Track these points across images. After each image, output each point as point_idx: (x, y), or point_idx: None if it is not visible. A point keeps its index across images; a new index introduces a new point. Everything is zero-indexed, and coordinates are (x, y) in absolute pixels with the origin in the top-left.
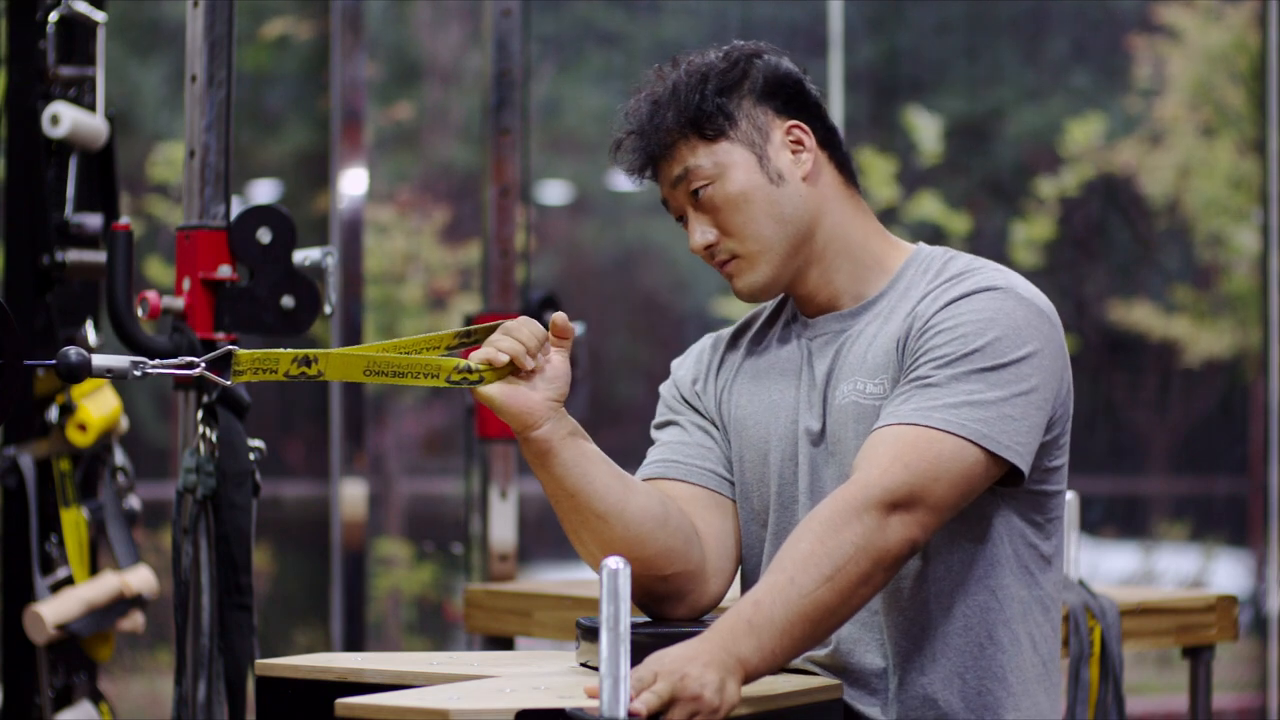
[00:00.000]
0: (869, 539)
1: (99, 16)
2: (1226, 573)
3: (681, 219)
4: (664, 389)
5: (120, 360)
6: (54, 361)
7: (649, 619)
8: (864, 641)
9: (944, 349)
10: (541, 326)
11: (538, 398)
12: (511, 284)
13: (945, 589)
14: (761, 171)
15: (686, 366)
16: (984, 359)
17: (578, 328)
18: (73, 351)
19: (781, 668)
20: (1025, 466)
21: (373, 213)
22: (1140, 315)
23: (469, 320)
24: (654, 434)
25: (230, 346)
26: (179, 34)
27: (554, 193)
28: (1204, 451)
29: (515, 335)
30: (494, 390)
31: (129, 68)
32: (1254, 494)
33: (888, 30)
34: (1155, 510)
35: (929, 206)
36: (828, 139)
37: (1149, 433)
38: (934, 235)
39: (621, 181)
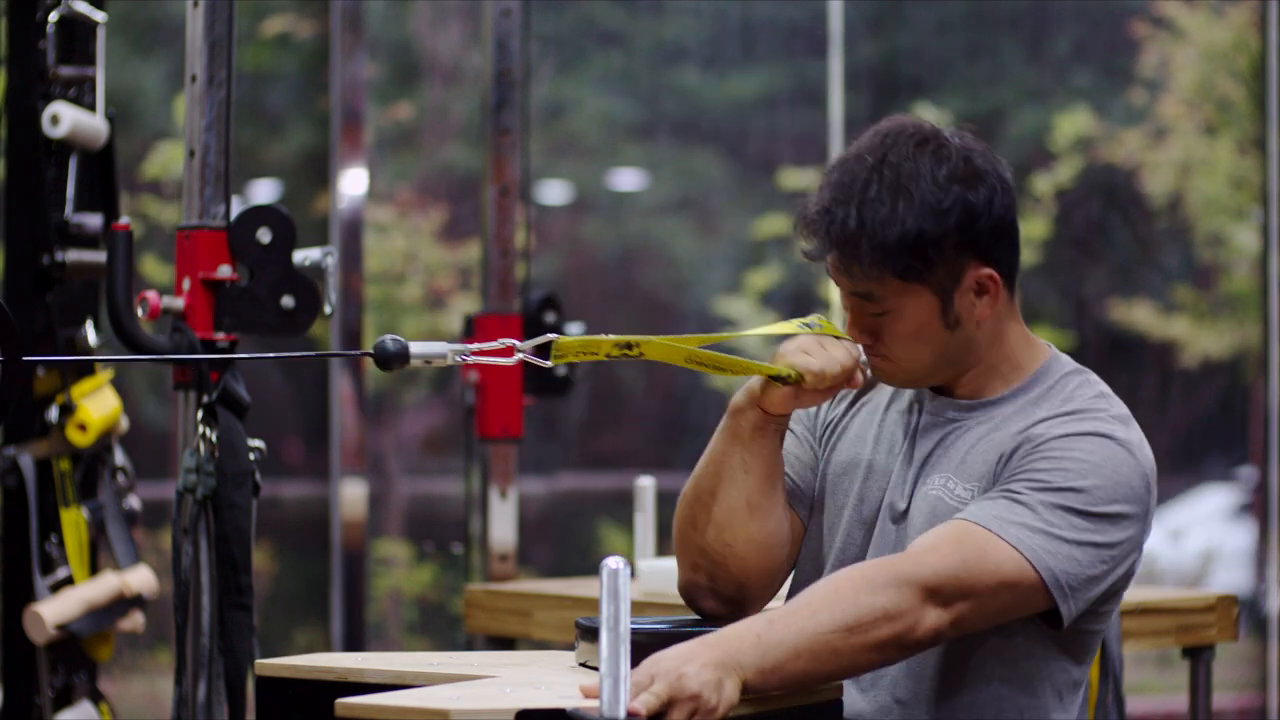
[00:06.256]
0: (899, 611)
1: (99, 16)
2: (1227, 573)
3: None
4: None
5: (439, 346)
6: (371, 352)
7: (646, 620)
8: None
9: (1043, 475)
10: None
11: (807, 400)
12: (511, 283)
13: (976, 696)
14: (940, 317)
15: None
16: (1076, 500)
17: (576, 328)
18: (389, 339)
19: (771, 693)
20: (1067, 614)
21: (373, 213)
22: (1140, 315)
23: (469, 320)
24: None
25: (551, 335)
26: (179, 33)
27: (554, 193)
28: (1204, 451)
29: (845, 362)
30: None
31: (129, 67)
32: (1254, 494)
33: (888, 30)
34: None
35: None
36: (1012, 270)
37: (1149, 433)
38: None
39: (622, 181)
